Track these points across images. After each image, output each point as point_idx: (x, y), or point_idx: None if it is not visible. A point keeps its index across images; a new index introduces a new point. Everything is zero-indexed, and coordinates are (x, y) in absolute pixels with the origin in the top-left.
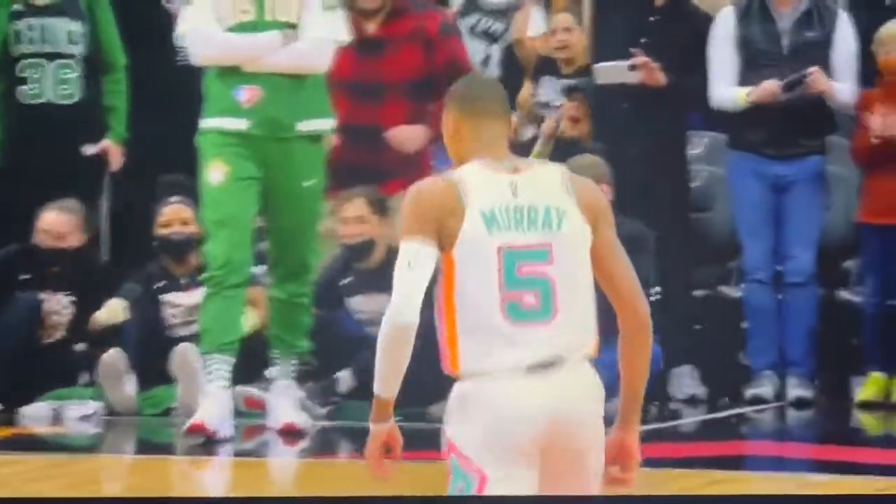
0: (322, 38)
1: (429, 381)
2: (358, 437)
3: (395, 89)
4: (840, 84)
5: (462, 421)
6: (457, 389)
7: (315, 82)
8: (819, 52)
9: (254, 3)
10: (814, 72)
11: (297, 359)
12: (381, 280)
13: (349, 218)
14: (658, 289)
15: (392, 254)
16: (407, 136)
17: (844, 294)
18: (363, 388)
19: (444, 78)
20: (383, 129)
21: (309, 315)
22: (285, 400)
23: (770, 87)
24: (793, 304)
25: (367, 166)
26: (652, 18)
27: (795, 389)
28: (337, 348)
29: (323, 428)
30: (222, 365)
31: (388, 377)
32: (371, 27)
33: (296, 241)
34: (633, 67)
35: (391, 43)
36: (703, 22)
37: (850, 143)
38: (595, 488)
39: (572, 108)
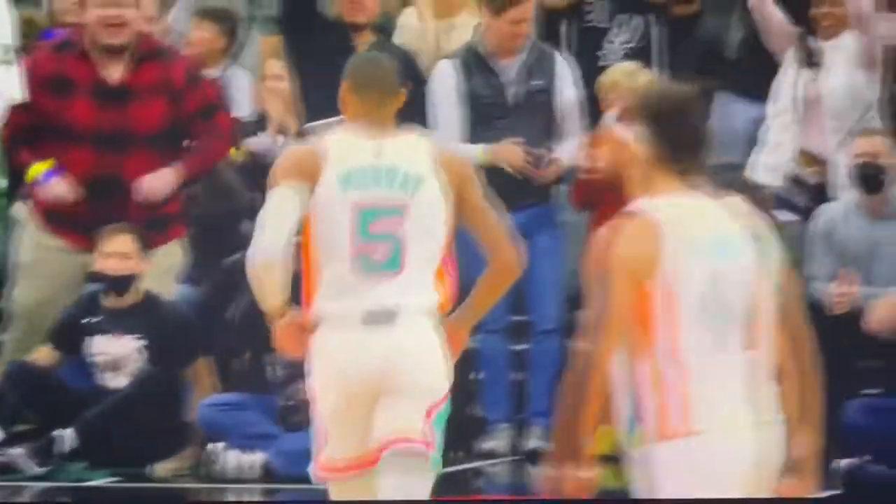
0: None
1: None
2: (78, 498)
3: (141, 140)
4: (563, 145)
5: (312, 368)
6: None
7: None
8: (545, 101)
9: None
10: (555, 159)
11: None
12: (129, 322)
13: (113, 253)
14: None
15: (148, 297)
16: (154, 184)
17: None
18: (86, 448)
19: (197, 126)
20: (128, 181)
21: None
22: None
23: (515, 152)
24: (541, 353)
25: (112, 219)
26: None
27: (536, 441)
28: (59, 405)
29: (43, 489)
30: None
31: (263, 297)
32: (115, 75)
33: None
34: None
35: (136, 93)
36: (408, 61)
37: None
38: (421, 421)
39: None
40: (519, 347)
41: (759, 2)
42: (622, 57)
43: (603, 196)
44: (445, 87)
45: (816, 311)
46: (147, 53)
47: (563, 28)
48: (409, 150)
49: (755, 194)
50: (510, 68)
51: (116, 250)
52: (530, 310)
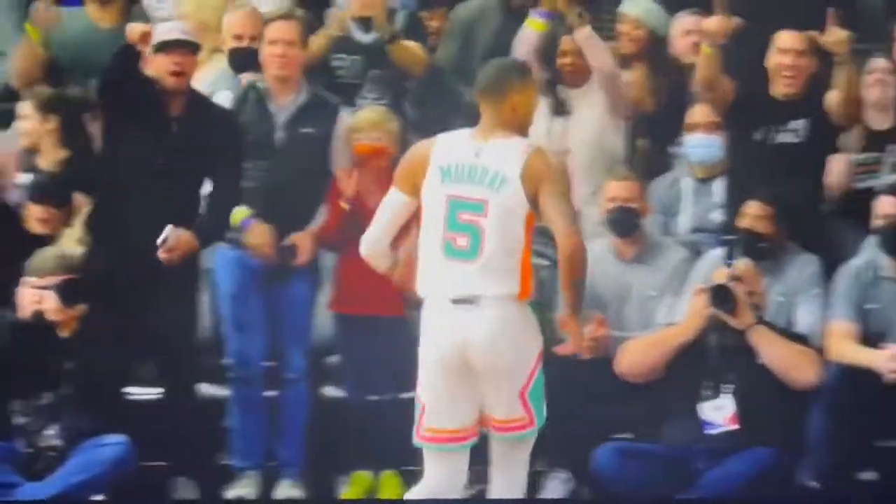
0: None
1: None
2: None
3: None
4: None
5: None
6: None
7: None
8: (314, 147)
9: None
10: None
11: None
12: None
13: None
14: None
15: None
16: None
17: (330, 390)
18: None
19: None
20: None
21: None
22: None
23: (264, 237)
24: (287, 401)
25: None
26: (174, 131)
27: (286, 489)
28: None
29: None
30: None
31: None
32: None
33: None
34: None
35: None
36: (227, 125)
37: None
38: (519, 405)
39: None
40: (270, 394)
41: (520, 55)
42: None
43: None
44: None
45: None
46: None
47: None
48: (505, 151)
49: None
50: (284, 111)
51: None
52: (276, 357)
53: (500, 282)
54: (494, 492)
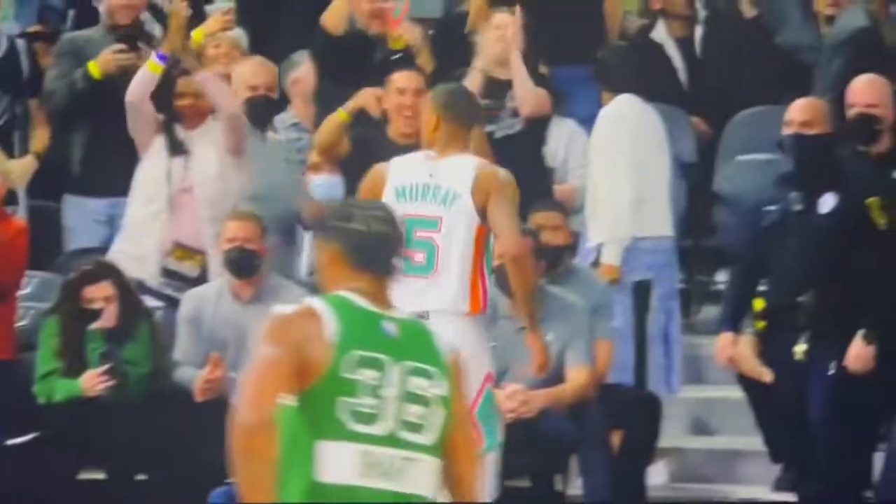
0: None
1: None
2: None
3: None
4: None
5: None
6: None
7: None
8: None
9: None
10: None
11: None
12: None
13: None
14: None
15: None
16: None
17: None
18: None
19: None
20: None
21: None
22: None
23: None
24: None
25: None
26: None
27: None
28: None
29: None
30: None
31: None
32: None
33: None
34: None
35: None
36: None
37: None
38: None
39: None
40: None
41: (136, 96)
42: None
43: None
44: None
45: (184, 396)
46: None
47: None
48: (456, 170)
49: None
50: None
51: None
52: None
53: (452, 297)
54: None
